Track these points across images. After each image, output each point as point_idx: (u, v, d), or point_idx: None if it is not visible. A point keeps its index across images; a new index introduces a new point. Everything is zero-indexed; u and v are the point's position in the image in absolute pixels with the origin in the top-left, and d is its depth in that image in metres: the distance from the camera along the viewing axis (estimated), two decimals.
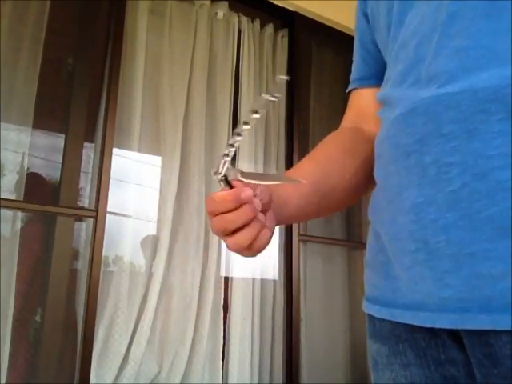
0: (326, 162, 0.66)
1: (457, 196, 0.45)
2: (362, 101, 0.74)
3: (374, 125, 0.66)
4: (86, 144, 1.87)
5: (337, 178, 0.65)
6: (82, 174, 1.85)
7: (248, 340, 2.02)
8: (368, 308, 0.59)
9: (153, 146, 2.03)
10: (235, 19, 2.29)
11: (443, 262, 0.46)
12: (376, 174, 0.60)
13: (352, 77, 0.77)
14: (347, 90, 0.77)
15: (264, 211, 0.50)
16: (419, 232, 0.48)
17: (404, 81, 0.53)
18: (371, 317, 0.59)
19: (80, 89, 1.89)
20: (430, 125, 0.47)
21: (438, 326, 0.47)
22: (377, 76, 0.69)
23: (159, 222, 1.96)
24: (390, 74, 0.58)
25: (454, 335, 0.49)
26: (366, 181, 0.66)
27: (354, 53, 0.76)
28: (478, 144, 0.44)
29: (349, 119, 0.76)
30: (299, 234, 2.22)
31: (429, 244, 0.47)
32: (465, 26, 0.47)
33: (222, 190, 0.47)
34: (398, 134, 0.52)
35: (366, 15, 0.69)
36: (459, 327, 0.45)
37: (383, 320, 0.55)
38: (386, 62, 0.64)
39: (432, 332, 0.50)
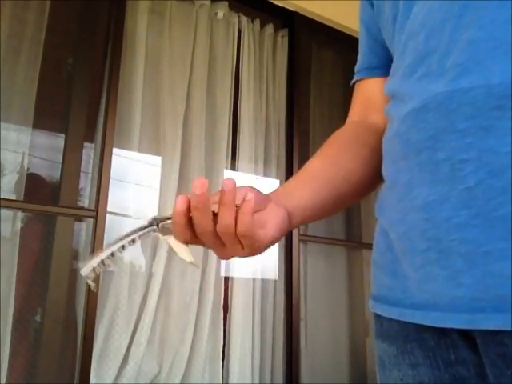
0: (335, 155, 0.64)
1: (471, 194, 0.44)
2: (369, 91, 0.72)
3: (382, 115, 0.64)
4: (86, 144, 1.87)
5: (348, 168, 0.63)
6: (82, 174, 1.85)
7: (249, 340, 2.02)
8: (375, 307, 0.58)
9: (153, 145, 2.03)
10: (235, 19, 2.29)
11: (456, 261, 0.45)
12: (384, 171, 0.58)
13: (358, 67, 0.74)
14: (353, 81, 0.75)
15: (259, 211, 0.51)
16: (431, 230, 0.47)
17: (414, 73, 0.52)
18: (378, 316, 0.58)
19: (80, 89, 1.89)
20: (443, 121, 0.46)
21: (450, 326, 0.46)
22: (384, 66, 0.67)
23: None
24: (399, 66, 0.57)
25: (465, 335, 0.48)
26: (377, 172, 0.64)
27: (360, 42, 0.74)
28: (493, 141, 0.43)
29: (355, 112, 0.74)
30: (299, 234, 2.22)
31: (441, 243, 0.46)
32: (477, 17, 0.46)
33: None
34: (410, 130, 0.50)
35: (371, 4, 0.68)
36: (473, 327, 0.44)
37: (391, 319, 0.54)
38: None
39: (442, 332, 0.49)
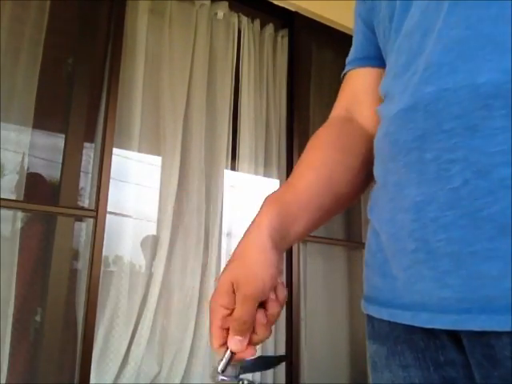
0: (326, 168, 0.63)
1: (457, 194, 0.43)
2: (359, 81, 0.70)
3: (367, 107, 0.63)
4: (86, 144, 1.87)
5: (340, 184, 0.63)
6: (82, 173, 1.85)
7: None
8: (367, 308, 0.58)
9: (153, 146, 2.03)
10: (235, 19, 2.29)
11: (443, 262, 0.44)
12: (375, 171, 0.58)
13: (351, 57, 0.72)
14: (347, 69, 0.72)
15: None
16: (419, 231, 0.47)
17: (405, 73, 0.52)
18: (370, 317, 0.58)
19: (80, 89, 1.89)
20: (430, 121, 0.46)
21: (437, 326, 0.46)
22: (381, 58, 0.66)
23: (159, 221, 1.96)
24: (392, 66, 0.57)
25: (454, 336, 0.48)
26: (367, 179, 0.64)
27: (355, 34, 0.72)
28: (479, 141, 0.42)
29: (340, 104, 0.72)
30: None
31: (429, 243, 0.46)
32: (465, 15, 0.46)
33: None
34: (398, 130, 0.50)
35: None
36: (459, 328, 0.44)
37: (382, 320, 0.54)
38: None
39: (431, 333, 0.49)
